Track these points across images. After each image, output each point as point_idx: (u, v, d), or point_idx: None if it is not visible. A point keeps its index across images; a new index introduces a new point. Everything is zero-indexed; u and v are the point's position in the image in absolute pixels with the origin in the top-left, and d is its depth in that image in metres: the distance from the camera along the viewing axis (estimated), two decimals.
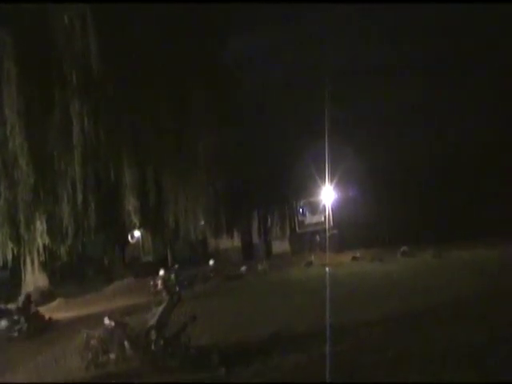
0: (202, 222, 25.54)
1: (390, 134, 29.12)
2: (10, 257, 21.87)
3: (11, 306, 19.44)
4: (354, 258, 25.15)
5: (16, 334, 14.80)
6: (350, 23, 26.81)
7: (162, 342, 9.18)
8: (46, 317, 17.17)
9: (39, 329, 15.30)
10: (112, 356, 9.71)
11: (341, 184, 29.28)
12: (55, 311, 20.21)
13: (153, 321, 9.62)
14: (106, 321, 10.25)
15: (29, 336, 14.56)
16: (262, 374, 8.26)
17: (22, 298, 17.42)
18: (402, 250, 24.26)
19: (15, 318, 15.59)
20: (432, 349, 8.33)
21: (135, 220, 22.03)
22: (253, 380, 8.02)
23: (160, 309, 9.84)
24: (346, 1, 24.57)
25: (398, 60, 27.92)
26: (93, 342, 10.06)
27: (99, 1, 15.53)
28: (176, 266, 25.33)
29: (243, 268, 25.13)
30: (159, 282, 18.24)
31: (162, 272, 21.30)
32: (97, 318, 15.10)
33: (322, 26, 26.97)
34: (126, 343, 9.71)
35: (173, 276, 21.20)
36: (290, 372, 8.22)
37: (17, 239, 19.53)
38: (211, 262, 26.04)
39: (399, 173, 28.83)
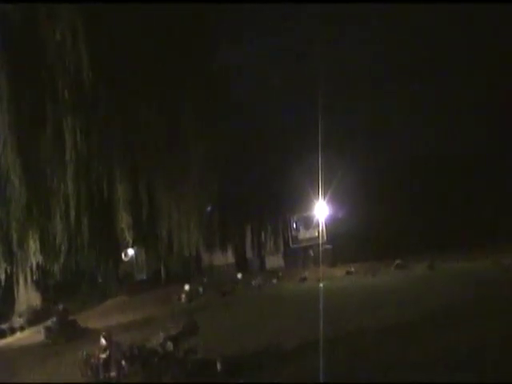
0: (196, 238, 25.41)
1: (382, 147, 29.26)
2: (2, 276, 21.77)
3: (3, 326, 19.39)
4: (348, 273, 25.16)
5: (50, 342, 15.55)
6: (347, 26, 26.68)
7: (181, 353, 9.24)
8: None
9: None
10: (113, 374, 9.69)
11: (334, 199, 29.34)
12: None
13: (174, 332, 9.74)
14: (103, 341, 10.21)
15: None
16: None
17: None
18: (396, 263, 24.30)
19: (51, 326, 16.35)
20: (419, 360, 8.33)
21: (128, 237, 21.94)
22: None
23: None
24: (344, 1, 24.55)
25: (390, 71, 28.06)
26: (92, 360, 10.03)
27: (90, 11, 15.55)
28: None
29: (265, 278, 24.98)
30: (183, 296, 18.64)
31: (187, 287, 21.33)
32: (92, 335, 15.10)
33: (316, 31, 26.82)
34: (123, 362, 9.70)
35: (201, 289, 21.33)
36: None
37: (9, 258, 19.40)
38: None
39: (392, 186, 28.91)
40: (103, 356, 9.80)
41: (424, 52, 27.04)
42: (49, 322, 17.44)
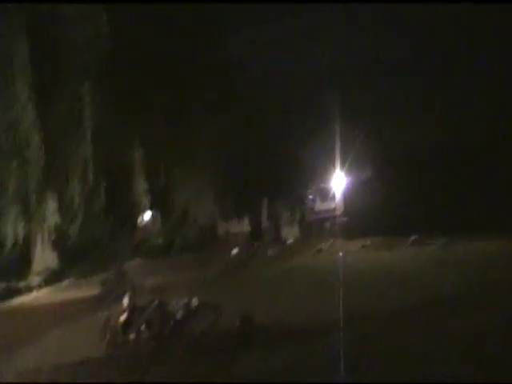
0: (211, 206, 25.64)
1: (402, 119, 28.78)
2: (20, 235, 22.11)
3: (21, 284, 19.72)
4: (364, 246, 25.00)
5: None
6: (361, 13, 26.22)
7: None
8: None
9: None
10: (132, 336, 9.75)
11: (351, 171, 29.11)
12: (65, 291, 20.34)
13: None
14: (126, 301, 10.22)
15: None
16: (264, 360, 8.26)
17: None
18: (412, 238, 24.05)
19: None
20: (431, 341, 8.25)
21: (145, 202, 22.14)
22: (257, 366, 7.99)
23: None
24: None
25: (411, 49, 27.49)
26: (111, 322, 10.10)
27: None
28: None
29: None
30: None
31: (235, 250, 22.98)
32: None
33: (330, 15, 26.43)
34: (143, 327, 9.75)
35: None
36: (292, 359, 8.23)
37: (28, 217, 19.65)
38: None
39: (412, 160, 28.49)
40: (122, 319, 9.81)
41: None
42: (106, 277, 17.61)
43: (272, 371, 7.86)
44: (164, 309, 9.88)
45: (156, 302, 10.09)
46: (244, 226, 35.91)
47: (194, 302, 9.96)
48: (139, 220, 33.12)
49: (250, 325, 9.21)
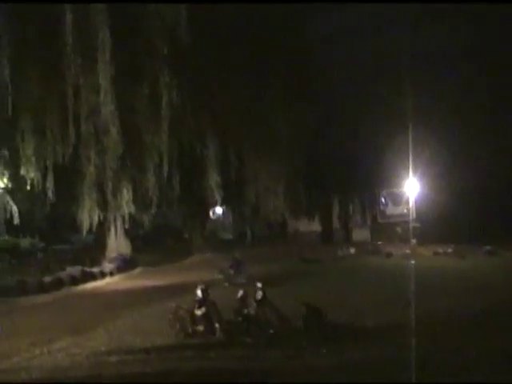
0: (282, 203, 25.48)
1: (478, 126, 27.69)
2: (96, 222, 22.82)
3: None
4: (436, 253, 24.27)
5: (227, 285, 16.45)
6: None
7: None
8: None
9: None
10: (200, 328, 9.81)
11: (425, 177, 28.48)
12: (136, 278, 20.77)
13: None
14: (199, 294, 10.28)
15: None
16: (331, 356, 8.12)
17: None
18: (485, 248, 23.26)
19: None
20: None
21: (217, 196, 22.30)
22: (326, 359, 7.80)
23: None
24: None
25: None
26: (181, 312, 10.19)
27: None
28: None
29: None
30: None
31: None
32: (177, 289, 15.46)
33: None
34: (213, 319, 9.79)
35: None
36: (361, 355, 8.09)
37: (103, 205, 20.23)
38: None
39: (485, 170, 27.53)
40: (198, 312, 9.88)
41: None
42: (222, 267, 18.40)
43: (341, 365, 7.79)
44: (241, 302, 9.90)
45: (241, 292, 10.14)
46: (314, 226, 35.71)
47: (259, 295, 9.91)
48: (211, 213, 33.61)
49: (318, 318, 9.01)
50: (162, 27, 15.91)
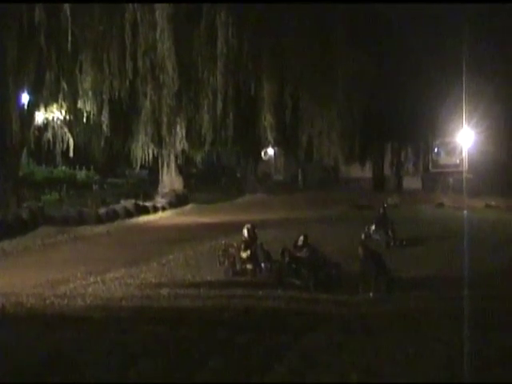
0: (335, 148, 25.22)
1: None
2: (150, 157, 23.17)
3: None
4: (488, 206, 23.54)
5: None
6: None
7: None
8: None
9: None
10: (249, 266, 9.93)
11: (479, 128, 27.57)
12: (188, 215, 21.07)
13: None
14: (245, 233, 10.36)
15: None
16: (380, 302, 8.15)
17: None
18: None
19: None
20: None
21: (270, 137, 22.17)
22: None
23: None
24: None
25: None
26: (231, 250, 10.32)
27: None
28: None
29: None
30: None
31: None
32: (228, 226, 15.59)
33: None
34: (260, 257, 9.88)
35: None
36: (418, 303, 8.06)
37: (158, 141, 20.47)
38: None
39: None
40: (244, 254, 9.98)
41: None
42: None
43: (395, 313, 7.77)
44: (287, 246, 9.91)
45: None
46: (366, 172, 35.27)
47: (301, 240, 9.88)
48: (262, 153, 33.57)
49: (378, 260, 8.86)
50: None
